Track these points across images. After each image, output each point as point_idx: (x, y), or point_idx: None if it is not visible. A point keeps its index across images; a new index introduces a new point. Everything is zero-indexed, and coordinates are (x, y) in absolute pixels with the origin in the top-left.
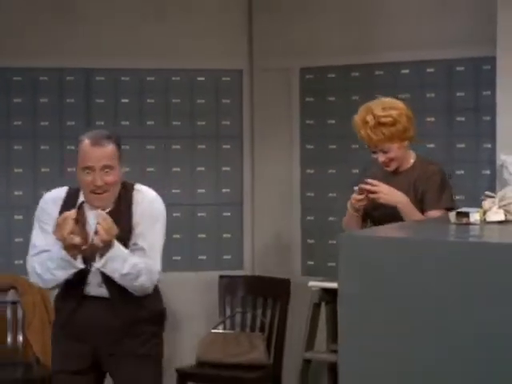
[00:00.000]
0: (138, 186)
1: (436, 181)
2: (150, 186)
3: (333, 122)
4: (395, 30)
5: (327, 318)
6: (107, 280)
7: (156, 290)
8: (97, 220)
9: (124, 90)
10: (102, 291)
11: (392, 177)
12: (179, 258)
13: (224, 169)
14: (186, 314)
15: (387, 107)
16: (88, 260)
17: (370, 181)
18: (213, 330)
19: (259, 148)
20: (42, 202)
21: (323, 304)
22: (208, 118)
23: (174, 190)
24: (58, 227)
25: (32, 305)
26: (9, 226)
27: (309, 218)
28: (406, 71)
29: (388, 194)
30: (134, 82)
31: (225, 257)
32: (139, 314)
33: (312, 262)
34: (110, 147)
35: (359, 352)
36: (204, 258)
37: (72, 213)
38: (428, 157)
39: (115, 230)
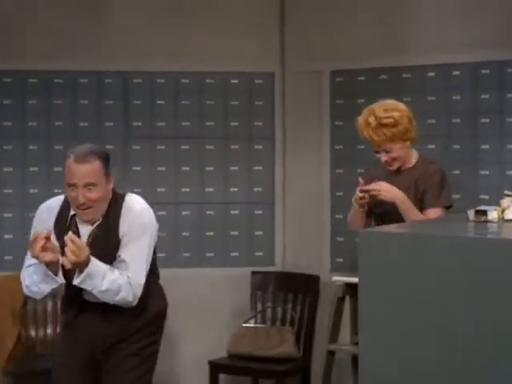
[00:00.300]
0: (128, 197)
1: (436, 180)
2: (184, 184)
3: None
4: (422, 34)
5: (350, 311)
6: None
7: (159, 288)
8: (65, 242)
9: (160, 92)
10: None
11: (394, 176)
12: (212, 254)
13: (256, 168)
14: (219, 308)
15: (389, 109)
16: (72, 274)
17: (372, 184)
18: (244, 324)
19: (290, 148)
20: (38, 212)
21: (347, 298)
22: (241, 119)
23: (207, 189)
24: (30, 245)
25: None
26: None
27: (338, 216)
28: (433, 74)
29: (388, 191)
30: (169, 85)
31: (257, 253)
32: (138, 319)
33: (341, 260)
34: (94, 164)
35: (378, 344)
36: (237, 254)
37: (43, 232)
38: (429, 156)
39: (85, 251)
